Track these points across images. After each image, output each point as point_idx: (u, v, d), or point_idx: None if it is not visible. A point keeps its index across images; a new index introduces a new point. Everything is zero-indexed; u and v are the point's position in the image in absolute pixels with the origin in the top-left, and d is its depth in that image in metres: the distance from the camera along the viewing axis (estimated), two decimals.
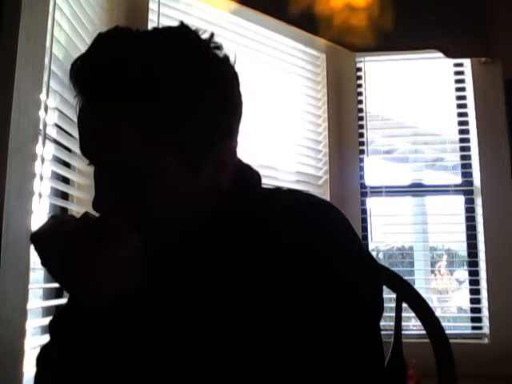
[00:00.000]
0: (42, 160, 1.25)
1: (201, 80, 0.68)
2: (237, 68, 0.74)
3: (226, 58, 0.72)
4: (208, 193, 0.71)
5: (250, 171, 0.79)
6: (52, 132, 1.34)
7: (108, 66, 0.65)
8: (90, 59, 0.68)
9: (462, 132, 2.33)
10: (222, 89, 0.70)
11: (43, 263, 0.70)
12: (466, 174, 2.29)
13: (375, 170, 2.33)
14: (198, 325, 0.66)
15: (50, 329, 0.76)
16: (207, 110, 0.69)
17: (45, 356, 0.76)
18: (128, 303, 0.66)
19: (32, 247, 0.71)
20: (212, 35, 0.72)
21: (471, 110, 2.28)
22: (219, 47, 0.72)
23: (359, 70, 2.37)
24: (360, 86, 2.35)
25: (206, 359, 0.64)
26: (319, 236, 0.68)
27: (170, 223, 0.71)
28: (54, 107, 1.34)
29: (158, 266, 0.69)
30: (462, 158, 2.32)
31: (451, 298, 2.42)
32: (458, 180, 2.31)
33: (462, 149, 2.32)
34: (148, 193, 0.68)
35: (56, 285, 1.45)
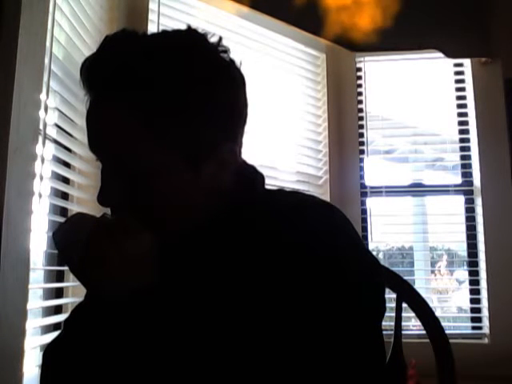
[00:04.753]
0: (42, 160, 1.24)
1: (207, 82, 0.70)
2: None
3: (233, 62, 0.75)
4: (210, 193, 0.72)
5: (253, 172, 0.80)
6: (52, 132, 1.34)
7: (117, 64, 0.68)
8: (99, 58, 0.70)
9: (462, 132, 2.33)
10: (227, 92, 0.72)
11: (63, 260, 0.73)
12: (466, 173, 2.29)
13: (375, 170, 2.33)
14: (201, 324, 0.66)
15: (65, 322, 0.78)
16: (212, 112, 0.71)
17: (53, 348, 0.77)
18: (132, 303, 0.67)
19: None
20: (220, 39, 0.74)
21: (471, 110, 2.27)
22: (226, 51, 0.74)
23: (359, 70, 2.37)
24: (360, 86, 2.35)
25: (207, 358, 0.65)
26: (321, 237, 0.68)
27: (172, 222, 0.72)
28: (54, 107, 1.34)
29: (162, 264, 0.70)
30: (462, 158, 2.32)
31: (451, 298, 2.42)
32: (458, 180, 2.31)
33: (462, 149, 2.32)
34: (151, 190, 0.69)
35: (56, 285, 1.46)
